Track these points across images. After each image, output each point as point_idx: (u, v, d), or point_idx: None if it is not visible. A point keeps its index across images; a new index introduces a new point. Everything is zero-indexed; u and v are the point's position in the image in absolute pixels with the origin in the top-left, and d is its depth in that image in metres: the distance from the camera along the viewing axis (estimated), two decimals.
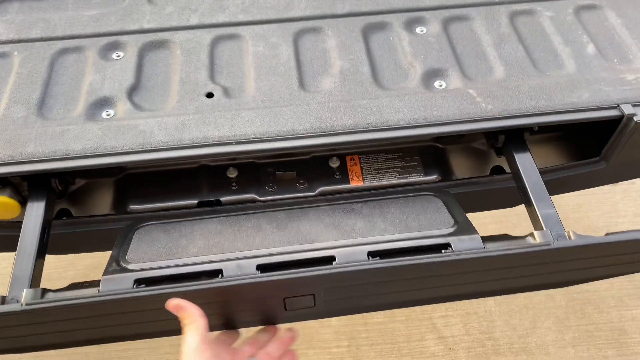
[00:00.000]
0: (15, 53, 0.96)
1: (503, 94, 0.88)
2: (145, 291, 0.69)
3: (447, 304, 1.74)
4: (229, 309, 0.78)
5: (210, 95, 0.89)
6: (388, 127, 0.84)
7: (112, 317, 0.74)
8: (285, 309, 0.77)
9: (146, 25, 1.00)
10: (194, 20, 1.01)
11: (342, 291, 0.77)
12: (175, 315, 0.70)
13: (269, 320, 0.83)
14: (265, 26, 1.00)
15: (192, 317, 0.69)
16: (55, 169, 0.80)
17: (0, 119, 0.86)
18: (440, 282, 0.78)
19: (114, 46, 0.97)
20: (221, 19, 1.01)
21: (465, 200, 0.87)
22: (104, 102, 0.89)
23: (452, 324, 1.69)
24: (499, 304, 1.74)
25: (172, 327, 0.71)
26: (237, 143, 0.82)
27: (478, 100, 0.87)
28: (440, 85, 0.91)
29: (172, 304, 0.70)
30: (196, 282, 0.70)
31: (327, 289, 0.75)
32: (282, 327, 0.85)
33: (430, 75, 0.92)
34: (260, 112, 0.86)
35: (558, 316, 1.70)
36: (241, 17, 1.01)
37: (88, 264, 1.88)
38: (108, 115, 0.87)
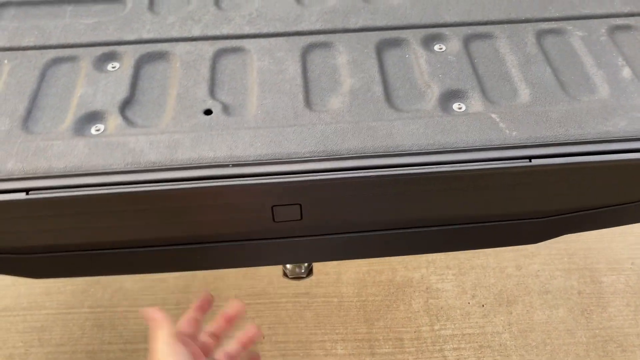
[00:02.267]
0: (6, 61, 0.90)
1: (529, 120, 0.80)
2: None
3: (459, 336, 1.64)
4: (216, 216, 0.79)
5: (208, 112, 0.83)
6: (400, 152, 0.76)
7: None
8: (274, 220, 0.78)
9: (145, 35, 0.94)
10: (196, 32, 0.95)
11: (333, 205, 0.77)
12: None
13: (254, 234, 0.83)
14: (272, 40, 0.93)
15: (159, 322, 0.73)
16: (35, 188, 0.73)
17: None
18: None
19: (110, 57, 0.91)
20: (225, 30, 0.95)
21: None
22: (94, 117, 0.82)
23: (464, 357, 1.60)
24: (515, 337, 1.65)
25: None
26: (234, 165, 0.75)
27: (501, 125, 0.79)
28: (460, 108, 0.83)
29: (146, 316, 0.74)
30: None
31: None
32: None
33: (449, 97, 0.84)
34: (261, 132, 0.79)
35: (578, 353, 1.60)
36: (247, 30, 0.95)
37: (88, 279, 1.83)
38: (97, 130, 0.81)
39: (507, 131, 0.78)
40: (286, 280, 1.15)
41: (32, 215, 0.75)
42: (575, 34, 0.93)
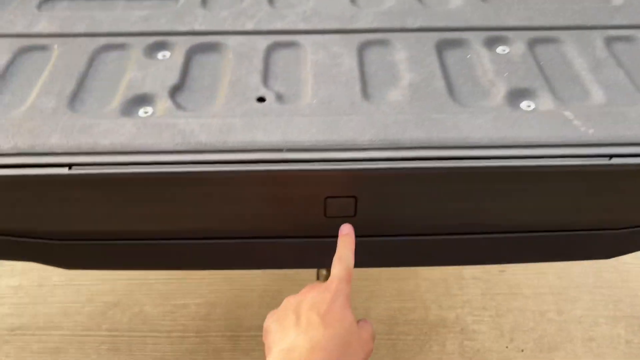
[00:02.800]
0: (55, 46, 0.88)
1: (606, 119, 0.74)
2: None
3: None
4: (266, 207, 0.73)
5: (261, 99, 0.79)
6: (469, 144, 0.70)
7: None
8: (325, 215, 0.73)
9: (197, 28, 0.91)
10: (249, 26, 0.92)
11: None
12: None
13: (302, 230, 0.76)
14: (327, 36, 0.90)
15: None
16: (79, 164, 0.69)
17: (27, 109, 0.77)
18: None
19: (161, 46, 0.89)
20: (279, 26, 0.92)
21: None
22: (142, 100, 0.79)
23: None
24: None
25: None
26: (288, 150, 0.70)
27: (576, 123, 0.73)
28: (529, 107, 0.78)
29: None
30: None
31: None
32: None
33: (516, 95, 0.79)
34: (316, 119, 0.74)
35: None
36: (301, 26, 0.92)
37: (108, 301, 1.77)
38: (146, 113, 0.77)
39: (583, 129, 0.73)
40: None
41: (73, 195, 0.70)
42: None
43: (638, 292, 1.79)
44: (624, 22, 0.92)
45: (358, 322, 0.68)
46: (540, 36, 0.90)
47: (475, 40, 0.89)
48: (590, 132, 0.72)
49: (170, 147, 0.70)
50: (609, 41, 0.89)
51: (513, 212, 0.75)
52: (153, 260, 0.81)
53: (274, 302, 1.78)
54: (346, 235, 0.73)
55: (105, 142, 0.71)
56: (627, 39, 0.90)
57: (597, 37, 0.89)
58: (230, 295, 1.76)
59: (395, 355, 1.62)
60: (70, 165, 0.68)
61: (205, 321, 1.69)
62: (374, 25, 0.92)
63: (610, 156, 0.70)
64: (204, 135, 0.72)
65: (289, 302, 0.68)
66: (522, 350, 1.63)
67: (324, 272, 1.02)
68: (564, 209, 0.75)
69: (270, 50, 0.88)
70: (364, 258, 0.83)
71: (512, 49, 0.88)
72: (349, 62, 0.85)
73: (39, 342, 1.63)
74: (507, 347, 1.64)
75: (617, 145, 0.70)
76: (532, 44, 0.89)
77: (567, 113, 0.75)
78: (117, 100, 0.78)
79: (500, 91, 0.80)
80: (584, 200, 0.74)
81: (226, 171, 0.68)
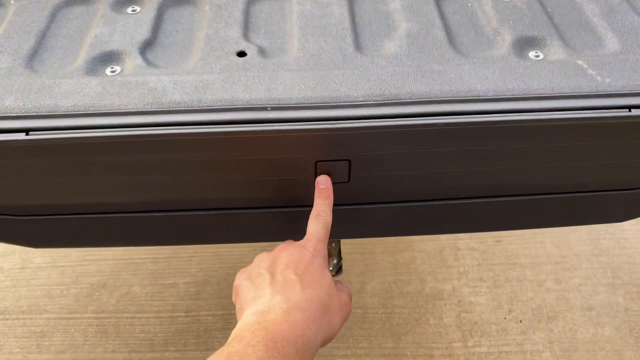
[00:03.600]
0: (12, 1, 0.79)
1: (623, 67, 0.67)
2: None
3: (495, 354, 1.49)
4: (248, 174, 0.67)
5: (242, 54, 0.71)
6: (474, 97, 0.63)
7: None
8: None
9: None
10: None
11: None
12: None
13: (293, 198, 0.70)
14: None
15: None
16: (37, 128, 0.61)
17: None
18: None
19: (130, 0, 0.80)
20: None
21: None
22: (109, 57, 0.71)
23: None
24: (557, 357, 1.50)
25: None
26: (274, 109, 0.63)
27: (590, 72, 0.67)
28: (537, 56, 0.71)
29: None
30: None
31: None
32: None
33: (523, 45, 0.72)
34: (305, 74, 0.67)
35: None
36: None
37: (94, 282, 1.70)
38: (113, 72, 0.69)
39: (599, 78, 0.66)
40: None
41: (33, 163, 0.63)
42: None
43: (636, 259, 1.76)
44: None
45: (335, 284, 0.63)
46: None
47: None
48: (606, 82, 0.65)
49: (139, 107, 0.62)
50: None
51: (522, 173, 0.68)
52: (126, 235, 0.74)
53: None
54: (324, 189, 0.66)
55: (66, 104, 0.63)
56: None
57: None
58: (221, 273, 1.70)
59: (391, 329, 1.57)
60: (27, 131, 0.60)
61: (195, 300, 1.64)
62: None
63: (630, 107, 0.63)
64: (177, 93, 0.64)
65: (262, 259, 0.61)
66: (521, 321, 1.59)
67: None
68: (578, 167, 0.68)
69: (251, 1, 0.80)
70: (359, 228, 0.76)
71: None
72: (339, 12, 0.77)
73: (23, 327, 1.57)
74: (505, 318, 1.60)
75: (637, 95, 0.64)
76: None
77: (580, 62, 0.68)
78: (82, 58, 0.70)
79: (505, 40, 0.73)
80: (600, 157, 0.68)
81: (203, 132, 0.60)
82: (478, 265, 1.75)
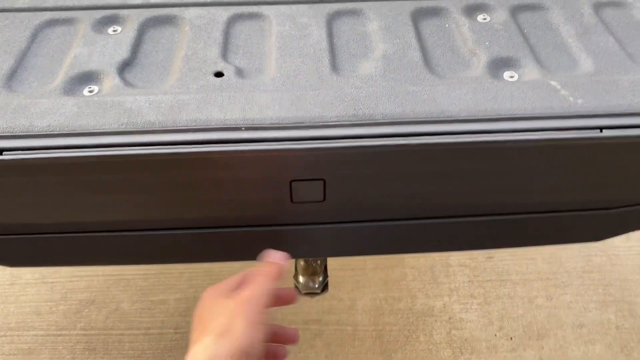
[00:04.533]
0: None
1: (596, 88, 0.68)
2: None
3: None
4: (223, 193, 0.67)
5: (219, 74, 0.71)
6: (447, 118, 0.64)
7: None
8: (292, 200, 0.66)
9: (153, 0, 0.84)
10: None
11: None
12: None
13: (266, 218, 0.70)
14: (293, 6, 0.83)
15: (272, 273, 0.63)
16: (11, 148, 0.61)
17: None
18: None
19: (112, 20, 0.81)
20: None
21: None
22: (88, 77, 0.71)
23: None
24: None
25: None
26: (248, 129, 0.63)
27: (563, 93, 0.67)
28: (512, 77, 0.71)
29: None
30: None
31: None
32: None
33: (499, 65, 0.73)
34: (280, 95, 0.67)
35: None
36: None
37: (83, 299, 1.70)
38: (91, 92, 0.70)
39: (572, 99, 0.66)
40: (298, 299, 1.01)
41: (7, 182, 0.63)
42: (637, 5, 0.82)
43: (628, 276, 1.75)
44: None
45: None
46: (524, 3, 0.83)
47: (454, 8, 0.82)
48: (579, 103, 0.66)
49: (114, 127, 0.63)
50: (598, 7, 0.83)
51: (495, 193, 0.69)
52: (102, 255, 0.74)
53: None
54: (270, 265, 0.66)
55: (42, 124, 0.63)
56: (616, 4, 0.83)
57: (585, 2, 0.83)
58: None
59: (381, 346, 1.56)
60: (1, 151, 0.60)
61: (184, 317, 1.63)
62: None
63: (601, 128, 0.63)
64: (152, 113, 0.64)
65: (226, 303, 0.60)
66: (511, 338, 1.58)
67: (301, 262, 0.95)
68: (551, 187, 0.68)
69: (232, 22, 0.81)
70: (337, 247, 0.76)
71: (493, 16, 0.82)
72: (318, 33, 0.78)
73: (10, 344, 1.56)
74: (495, 335, 1.59)
75: (609, 116, 0.64)
76: (515, 11, 0.82)
77: (554, 82, 0.69)
78: (60, 78, 0.71)
79: (480, 61, 0.73)
80: (573, 177, 0.68)
81: (176, 153, 0.61)
82: (469, 281, 1.75)
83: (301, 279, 1.03)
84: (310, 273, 1.04)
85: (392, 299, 1.67)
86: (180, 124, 0.63)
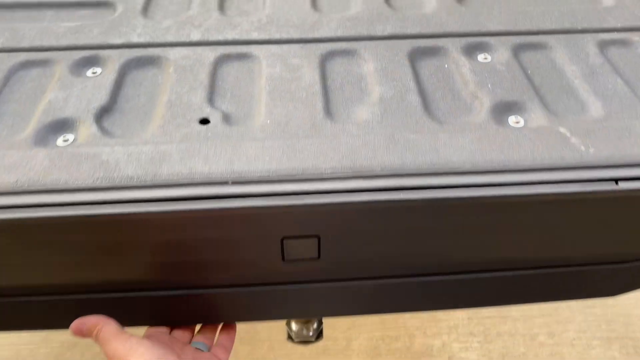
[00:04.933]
0: None
1: (608, 135, 0.64)
2: None
3: None
4: (208, 253, 0.62)
5: (205, 121, 0.67)
6: (450, 171, 0.59)
7: None
8: (284, 259, 0.62)
9: (135, 39, 0.79)
10: (195, 36, 0.80)
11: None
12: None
13: (256, 278, 0.66)
14: (285, 46, 0.79)
15: (98, 323, 0.61)
16: None
17: None
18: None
19: (91, 61, 0.76)
20: (230, 36, 0.80)
21: None
22: (62, 125, 0.66)
23: None
24: None
25: None
26: (235, 183, 0.58)
27: (574, 141, 0.63)
28: (517, 123, 0.67)
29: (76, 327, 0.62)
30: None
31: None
32: None
33: (503, 110, 0.69)
34: (270, 144, 0.62)
35: None
36: (255, 35, 0.81)
37: (64, 341, 1.62)
38: (65, 141, 0.64)
39: (583, 148, 0.62)
40: (290, 345, 0.96)
41: None
42: None
43: (631, 310, 1.71)
44: (617, 24, 0.83)
45: None
46: (526, 41, 0.79)
47: (453, 47, 0.78)
48: (590, 152, 0.61)
49: (88, 183, 0.57)
50: (603, 45, 0.79)
51: (503, 248, 0.64)
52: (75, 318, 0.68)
53: (247, 336, 1.63)
54: None
55: (9, 179, 0.58)
56: (622, 42, 0.80)
57: (590, 41, 0.79)
58: None
59: None
60: None
61: None
62: (339, 33, 0.81)
63: (617, 180, 0.59)
64: (131, 167, 0.59)
65: None
66: None
67: (292, 326, 0.89)
68: (563, 242, 0.64)
69: (219, 63, 0.76)
70: (330, 306, 0.70)
71: (494, 56, 0.78)
72: (310, 75, 0.73)
73: None
74: None
75: (624, 166, 0.60)
76: (517, 50, 0.78)
77: (563, 129, 0.64)
78: (32, 126, 0.65)
79: (483, 105, 0.69)
80: (585, 231, 0.63)
81: (156, 212, 0.55)
82: (468, 318, 1.69)
83: (294, 326, 0.97)
84: (304, 320, 0.98)
85: (389, 338, 1.61)
86: (161, 179, 0.58)
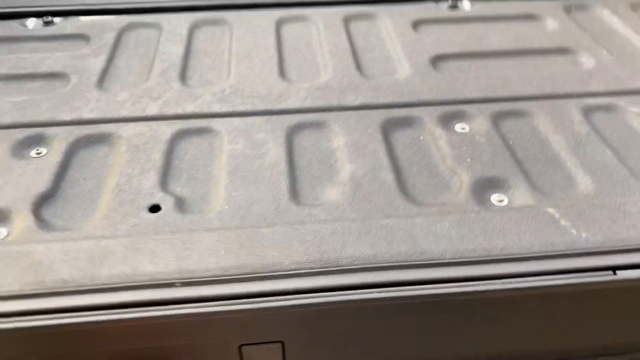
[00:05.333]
0: None
1: (600, 216, 0.58)
2: None
3: None
4: None
5: (155, 208, 0.60)
6: (428, 262, 0.53)
7: None
8: None
9: (86, 115, 0.73)
10: (152, 110, 0.75)
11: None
12: None
13: None
14: (249, 119, 0.73)
15: None
16: None
17: None
18: None
19: (36, 141, 0.70)
20: (190, 109, 0.75)
21: None
22: None
23: None
24: None
25: None
26: (184, 284, 0.51)
27: (564, 223, 0.57)
28: (501, 201, 0.61)
29: None
30: None
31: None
32: None
33: (484, 187, 0.63)
34: (227, 234, 0.56)
35: None
36: (217, 108, 0.75)
37: None
38: None
39: (574, 231, 0.56)
40: None
41: None
42: (630, 110, 0.75)
43: None
44: (600, 87, 0.79)
45: None
46: (506, 109, 0.75)
47: (429, 117, 0.73)
48: (583, 236, 0.55)
49: (15, 289, 0.50)
50: (587, 111, 0.75)
51: (485, 345, 0.57)
52: None
53: None
54: None
55: None
56: (607, 107, 0.76)
57: (573, 107, 0.75)
58: None
59: None
60: None
61: None
62: (308, 103, 0.76)
63: (614, 269, 0.53)
64: (66, 268, 0.52)
65: None
66: None
67: None
68: (555, 336, 0.57)
69: (176, 139, 0.70)
70: None
71: (473, 126, 0.73)
72: (275, 151, 0.68)
73: None
74: None
75: (620, 252, 0.54)
76: (497, 118, 0.73)
77: (551, 210, 0.58)
78: None
79: (463, 182, 0.63)
80: (582, 324, 0.56)
81: (92, 322, 0.48)
82: None
83: None
84: None
85: None
86: (100, 281, 0.51)
